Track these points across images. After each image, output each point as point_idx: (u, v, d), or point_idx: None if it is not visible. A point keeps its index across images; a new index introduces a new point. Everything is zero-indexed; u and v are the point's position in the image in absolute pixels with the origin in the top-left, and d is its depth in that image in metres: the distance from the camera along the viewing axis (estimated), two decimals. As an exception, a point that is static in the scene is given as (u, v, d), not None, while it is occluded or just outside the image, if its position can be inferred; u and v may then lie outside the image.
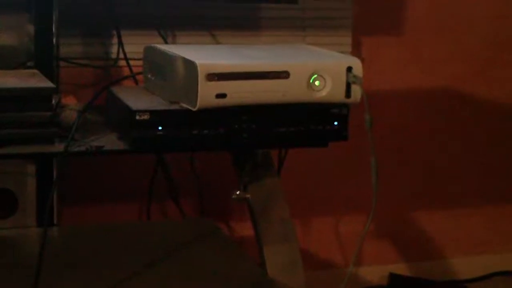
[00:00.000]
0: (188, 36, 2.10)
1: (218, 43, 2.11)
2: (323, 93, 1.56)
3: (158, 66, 1.65)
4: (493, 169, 2.57)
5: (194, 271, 1.66)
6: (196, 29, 2.10)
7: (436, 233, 2.54)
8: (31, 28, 1.87)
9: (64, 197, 1.99)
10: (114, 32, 2.01)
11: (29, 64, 1.86)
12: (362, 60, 1.81)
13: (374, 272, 2.46)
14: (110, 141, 1.58)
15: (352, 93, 1.58)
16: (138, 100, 1.57)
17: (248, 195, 1.81)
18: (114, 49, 2.02)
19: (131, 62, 1.99)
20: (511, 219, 2.63)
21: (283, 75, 1.53)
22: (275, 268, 1.79)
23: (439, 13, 2.40)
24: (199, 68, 1.47)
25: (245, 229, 2.11)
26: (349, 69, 1.57)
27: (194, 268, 1.67)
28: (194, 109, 1.49)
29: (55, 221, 1.93)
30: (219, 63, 1.51)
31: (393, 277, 2.47)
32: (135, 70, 1.95)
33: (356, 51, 2.28)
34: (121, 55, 2.00)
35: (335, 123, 1.61)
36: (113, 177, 2.11)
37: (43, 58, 1.83)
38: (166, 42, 2.04)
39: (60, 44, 1.88)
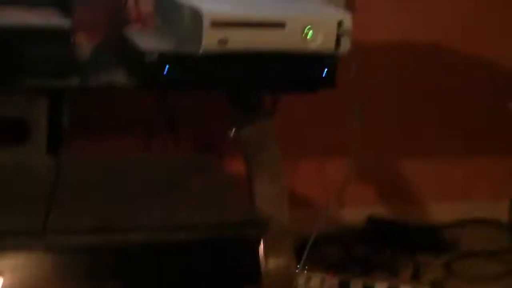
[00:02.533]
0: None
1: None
2: (315, 44, 1.72)
3: (167, 12, 1.79)
4: (474, 119, 2.71)
5: (188, 199, 1.81)
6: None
7: (415, 178, 2.69)
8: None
9: (72, 129, 2.13)
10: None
11: (46, 2, 1.98)
12: (356, 10, 1.93)
13: (354, 214, 2.62)
14: (119, 78, 1.74)
15: (342, 45, 1.73)
16: (148, 42, 1.73)
17: (240, 135, 1.97)
18: (124, -8, 2.15)
19: (141, 5, 2.12)
20: (488, 168, 2.76)
21: (279, 25, 1.69)
22: (262, 203, 1.95)
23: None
24: (204, 16, 1.62)
25: (237, 167, 2.25)
26: (340, 22, 1.72)
27: (188, 196, 1.83)
28: (198, 53, 1.65)
29: (62, 151, 2.08)
30: (223, 12, 1.66)
31: (370, 220, 2.63)
32: (144, 13, 2.09)
33: (350, 1, 2.41)
34: (131, -1, 2.13)
35: (325, 71, 1.77)
36: (119, 112, 2.25)
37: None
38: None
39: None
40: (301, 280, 2.17)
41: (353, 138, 1.76)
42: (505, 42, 2.65)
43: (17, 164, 1.95)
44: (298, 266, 2.12)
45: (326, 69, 1.77)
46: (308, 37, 1.71)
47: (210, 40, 1.63)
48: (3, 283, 1.53)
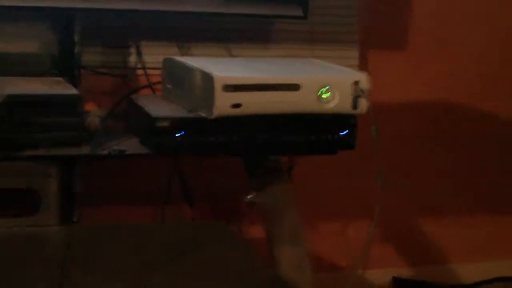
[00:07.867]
0: (203, 47, 2.18)
1: (231, 55, 2.20)
2: (332, 105, 1.67)
3: (177, 77, 1.75)
4: (494, 179, 2.65)
5: (207, 270, 1.75)
6: (211, 41, 2.20)
7: (440, 238, 2.62)
8: (54, 37, 1.97)
9: (85, 197, 2.08)
10: (133, 43, 2.10)
11: (53, 71, 1.96)
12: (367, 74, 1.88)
13: (379, 275, 2.55)
14: (131, 146, 1.69)
15: (359, 105, 1.68)
16: (158, 108, 1.68)
17: (258, 199, 1.91)
18: (133, 58, 2.11)
19: (148, 72, 2.09)
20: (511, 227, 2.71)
21: (294, 87, 1.64)
22: (284, 269, 1.88)
23: (441, 30, 2.48)
24: (215, 80, 1.57)
25: (255, 232, 2.19)
26: (356, 83, 1.67)
27: (207, 267, 1.76)
28: (211, 118, 1.60)
29: (75, 220, 2.03)
30: (235, 76, 1.61)
31: (396, 280, 2.56)
32: (151, 79, 2.06)
33: (362, 64, 2.37)
34: (139, 65, 2.10)
35: (343, 132, 1.71)
36: (131, 180, 2.20)
37: (67, 66, 1.92)
38: (182, 54, 2.13)
39: (83, 53, 1.97)
40: None
41: (376, 199, 1.69)
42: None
43: (28, 235, 1.91)
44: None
45: (344, 130, 1.71)
46: (323, 98, 1.65)
47: (222, 104, 1.58)
48: None
